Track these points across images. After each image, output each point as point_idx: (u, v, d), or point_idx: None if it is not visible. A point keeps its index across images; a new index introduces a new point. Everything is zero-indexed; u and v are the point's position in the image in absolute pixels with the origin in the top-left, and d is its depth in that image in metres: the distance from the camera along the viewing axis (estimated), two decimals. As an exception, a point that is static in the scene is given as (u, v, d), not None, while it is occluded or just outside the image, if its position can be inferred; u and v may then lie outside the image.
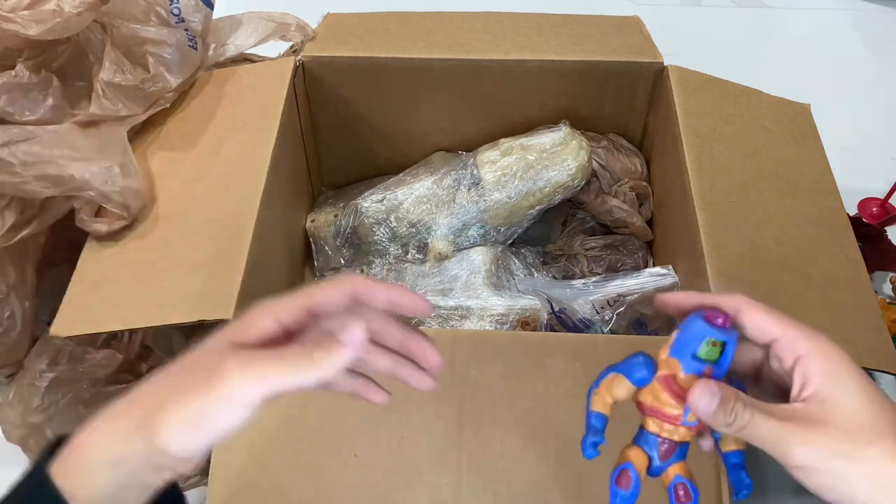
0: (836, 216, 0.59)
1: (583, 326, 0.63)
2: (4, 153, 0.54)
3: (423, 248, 0.70)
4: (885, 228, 0.77)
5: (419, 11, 0.75)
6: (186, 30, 0.62)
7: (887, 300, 0.74)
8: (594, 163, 0.71)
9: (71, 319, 0.51)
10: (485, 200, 0.67)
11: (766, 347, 0.36)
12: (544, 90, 0.72)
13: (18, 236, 0.57)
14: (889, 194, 0.78)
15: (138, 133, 0.63)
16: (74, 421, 0.60)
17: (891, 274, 0.77)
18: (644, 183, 0.73)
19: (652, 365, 0.36)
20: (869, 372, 0.61)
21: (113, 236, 0.56)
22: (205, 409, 0.31)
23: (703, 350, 0.35)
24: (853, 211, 0.78)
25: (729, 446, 0.37)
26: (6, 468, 0.63)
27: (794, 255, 0.56)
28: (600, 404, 0.37)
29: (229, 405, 0.31)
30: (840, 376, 0.34)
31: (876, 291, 0.73)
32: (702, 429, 0.36)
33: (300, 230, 0.74)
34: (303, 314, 0.35)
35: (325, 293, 0.36)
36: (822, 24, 1.10)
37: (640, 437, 0.37)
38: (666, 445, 0.36)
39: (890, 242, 0.76)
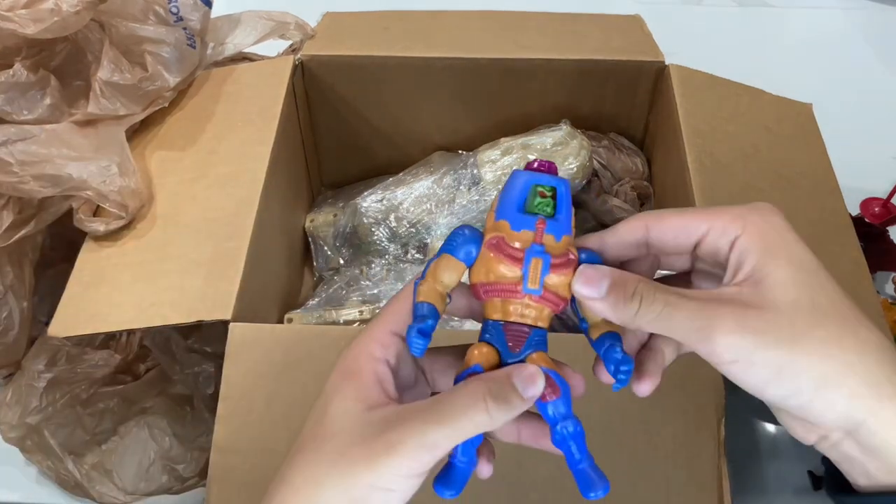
0: (838, 216, 0.59)
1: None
2: (2, 152, 0.54)
3: (422, 248, 0.69)
4: (888, 228, 0.76)
5: (419, 10, 0.74)
6: (185, 28, 0.62)
7: (889, 300, 0.73)
8: (595, 162, 0.71)
9: (69, 320, 0.51)
10: (485, 200, 0.67)
11: (697, 256, 0.30)
12: (545, 89, 0.71)
13: (16, 236, 0.57)
14: (891, 194, 0.78)
15: (136, 132, 0.63)
16: (72, 422, 0.60)
17: (893, 274, 0.77)
18: (645, 182, 0.73)
19: (478, 236, 0.31)
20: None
21: (111, 236, 0.56)
22: (370, 496, 0.27)
23: (531, 203, 0.30)
24: (855, 211, 0.77)
25: (600, 330, 0.31)
26: (4, 468, 0.63)
27: (796, 255, 0.55)
28: (427, 294, 0.30)
29: (399, 482, 0.27)
30: (776, 252, 0.28)
31: (878, 291, 0.72)
32: (557, 304, 0.30)
33: (299, 230, 0.73)
34: (396, 340, 0.31)
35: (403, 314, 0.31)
36: (824, 23, 1.10)
37: (485, 329, 0.31)
38: (514, 330, 0.30)
39: (892, 242, 0.76)
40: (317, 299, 0.67)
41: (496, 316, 0.31)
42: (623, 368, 0.30)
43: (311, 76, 0.70)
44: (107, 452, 0.61)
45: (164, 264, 0.54)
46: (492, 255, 0.30)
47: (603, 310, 0.30)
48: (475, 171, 0.68)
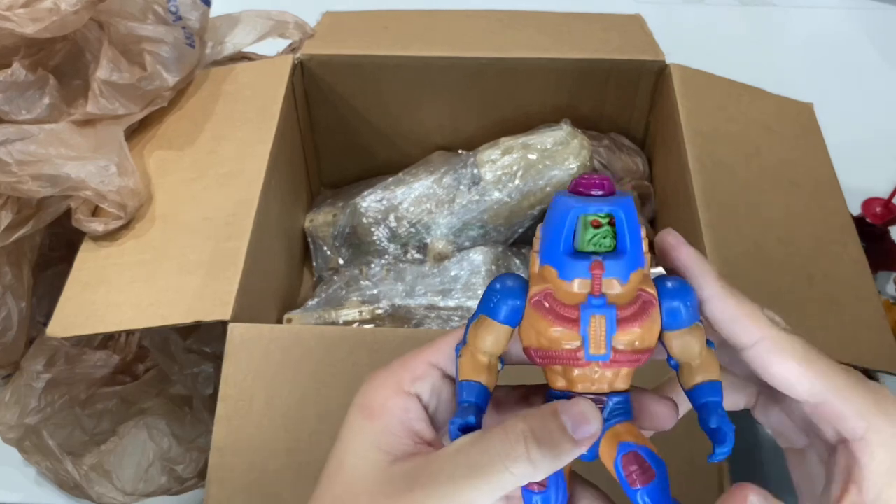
0: (840, 216, 0.58)
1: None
2: (1, 152, 0.53)
3: (422, 248, 0.69)
4: (889, 228, 0.76)
5: (419, 10, 0.74)
6: (184, 28, 0.62)
7: (891, 300, 0.73)
8: (595, 162, 0.71)
9: (67, 320, 0.51)
10: (485, 200, 0.67)
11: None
12: (545, 89, 0.71)
13: (15, 236, 0.57)
14: (893, 194, 0.77)
15: (135, 132, 0.63)
16: (71, 422, 0.60)
17: (894, 274, 0.76)
18: (646, 182, 0.73)
19: (521, 289, 0.24)
20: (871, 372, 0.61)
21: (109, 236, 0.55)
22: None
23: (584, 238, 0.23)
24: (856, 211, 0.77)
25: (695, 378, 0.24)
26: (3, 468, 0.63)
27: (797, 254, 0.55)
28: (469, 370, 0.24)
29: None
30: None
31: (879, 292, 0.72)
32: (636, 359, 0.24)
33: (299, 230, 0.73)
34: (434, 373, 0.26)
35: (447, 347, 0.26)
36: (826, 22, 1.10)
37: (549, 401, 0.24)
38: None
39: (893, 243, 0.75)
40: (316, 299, 0.67)
41: (560, 385, 0.24)
42: (725, 446, 0.24)
43: (311, 76, 0.69)
44: (106, 453, 0.61)
45: (162, 264, 0.53)
46: (539, 315, 0.23)
47: None
48: (475, 171, 0.68)
